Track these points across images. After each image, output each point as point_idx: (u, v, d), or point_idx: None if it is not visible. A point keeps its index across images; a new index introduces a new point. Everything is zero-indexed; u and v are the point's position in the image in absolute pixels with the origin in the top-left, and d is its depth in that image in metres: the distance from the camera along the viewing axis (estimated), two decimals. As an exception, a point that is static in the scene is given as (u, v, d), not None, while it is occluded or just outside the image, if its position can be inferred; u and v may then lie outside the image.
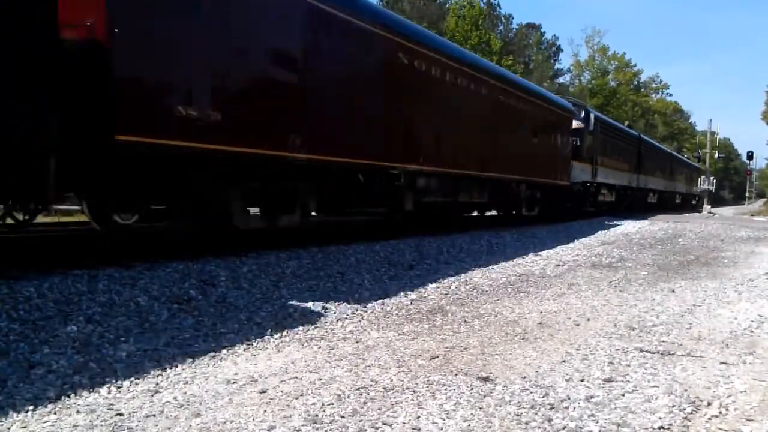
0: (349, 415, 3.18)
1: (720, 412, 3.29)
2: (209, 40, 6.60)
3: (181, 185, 6.92)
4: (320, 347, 4.55)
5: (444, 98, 11.47)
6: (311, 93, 8.15)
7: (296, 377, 3.81)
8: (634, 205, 28.45)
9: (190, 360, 4.17)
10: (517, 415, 3.20)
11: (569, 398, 3.44)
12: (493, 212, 16.76)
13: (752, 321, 5.51)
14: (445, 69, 11.50)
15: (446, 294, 6.87)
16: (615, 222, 19.28)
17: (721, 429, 3.09)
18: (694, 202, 46.52)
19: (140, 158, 6.16)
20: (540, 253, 10.95)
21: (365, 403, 3.37)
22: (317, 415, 3.17)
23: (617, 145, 24.90)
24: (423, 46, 10.84)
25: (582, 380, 3.77)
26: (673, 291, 7.21)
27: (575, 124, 18.84)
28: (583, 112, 20.59)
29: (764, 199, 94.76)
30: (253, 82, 7.36)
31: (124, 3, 5.72)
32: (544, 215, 17.19)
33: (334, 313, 5.72)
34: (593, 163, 20.97)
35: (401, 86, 10.16)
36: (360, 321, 5.47)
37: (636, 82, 71.69)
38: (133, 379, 3.75)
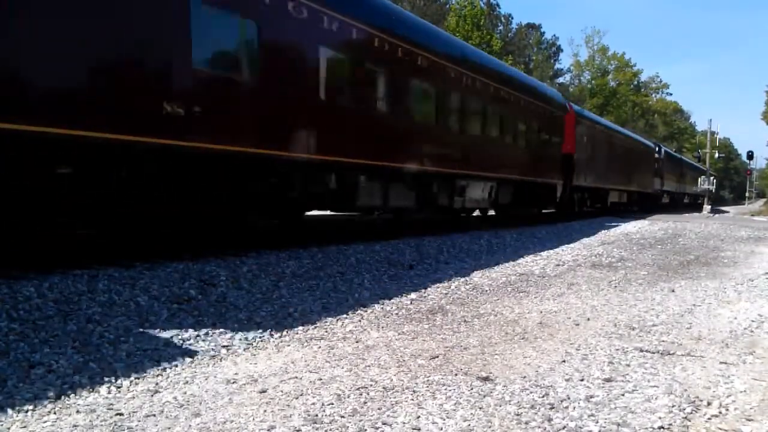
0: (349, 415, 3.18)
1: (720, 412, 3.29)
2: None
3: None
4: (320, 347, 4.55)
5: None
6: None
7: (296, 377, 3.81)
8: (678, 202, 43.83)
9: (190, 360, 4.17)
10: (517, 414, 3.20)
11: (569, 398, 3.44)
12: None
13: (752, 321, 5.51)
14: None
15: (446, 294, 6.87)
16: (615, 222, 19.28)
17: (721, 429, 3.09)
18: (699, 201, 47.25)
19: None
20: (540, 252, 10.95)
21: (365, 402, 3.37)
22: (317, 415, 3.17)
23: (669, 165, 39.31)
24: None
25: (582, 380, 3.77)
26: (673, 291, 7.21)
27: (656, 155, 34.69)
28: (657, 146, 36.25)
29: (764, 199, 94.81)
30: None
31: None
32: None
33: (334, 312, 5.72)
34: (661, 178, 35.95)
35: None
36: (360, 321, 5.47)
37: (636, 82, 71.73)
38: (133, 379, 3.75)
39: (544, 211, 18.94)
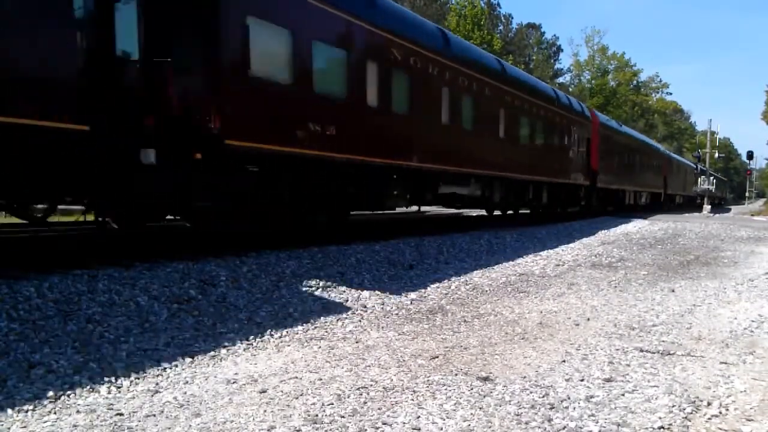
0: (349, 415, 3.18)
1: (720, 412, 3.29)
2: None
3: None
4: (320, 347, 4.55)
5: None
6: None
7: (296, 377, 3.81)
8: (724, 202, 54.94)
9: (190, 360, 4.17)
10: (517, 414, 3.20)
11: (569, 398, 3.44)
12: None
13: (752, 321, 5.50)
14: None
15: (446, 294, 6.87)
16: (615, 222, 19.28)
17: (721, 429, 3.09)
18: (699, 202, 48.71)
19: None
20: (540, 253, 10.95)
21: (365, 402, 3.37)
22: (317, 415, 3.17)
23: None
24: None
25: (582, 380, 3.77)
26: (673, 291, 7.21)
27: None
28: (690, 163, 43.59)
29: (764, 199, 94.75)
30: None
31: None
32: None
33: (334, 312, 5.72)
34: (698, 183, 42.82)
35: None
36: (360, 321, 5.47)
37: (636, 82, 71.69)
38: (133, 379, 3.75)
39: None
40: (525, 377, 3.83)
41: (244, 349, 4.48)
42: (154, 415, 3.19)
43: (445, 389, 3.58)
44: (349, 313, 5.75)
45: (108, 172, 6.00)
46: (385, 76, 9.70)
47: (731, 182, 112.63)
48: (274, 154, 7.49)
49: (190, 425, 3.05)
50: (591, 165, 21.61)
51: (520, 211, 17.89)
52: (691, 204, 41.42)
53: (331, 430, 3.00)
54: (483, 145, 13.56)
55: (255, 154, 7.24)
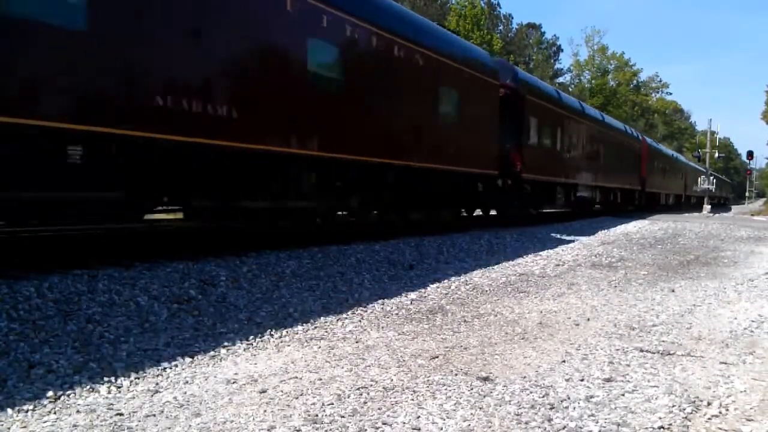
0: (349, 415, 3.18)
1: (720, 412, 3.29)
2: None
3: None
4: (320, 347, 4.55)
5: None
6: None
7: (296, 377, 3.81)
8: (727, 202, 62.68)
9: (190, 360, 4.17)
10: (517, 414, 3.20)
11: (569, 398, 3.44)
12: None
13: (752, 321, 5.50)
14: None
15: (446, 294, 6.87)
16: (615, 222, 19.29)
17: (721, 429, 3.10)
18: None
19: None
20: (540, 252, 10.95)
21: (365, 402, 3.37)
22: (317, 415, 3.17)
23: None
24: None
25: (582, 380, 3.77)
26: (673, 291, 7.21)
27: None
28: (704, 171, 43.54)
29: (764, 199, 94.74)
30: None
31: None
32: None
33: (334, 312, 5.72)
34: (709, 183, 42.84)
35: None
36: (360, 321, 5.47)
37: (635, 82, 71.69)
38: (133, 379, 3.75)
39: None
40: (525, 377, 3.83)
41: (244, 349, 4.48)
42: (154, 415, 3.19)
43: (445, 389, 3.58)
44: (349, 313, 5.75)
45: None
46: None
47: (732, 182, 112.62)
48: (538, 180, 16.90)
49: (190, 425, 3.05)
50: (642, 174, 29.99)
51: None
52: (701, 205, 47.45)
53: (331, 430, 3.01)
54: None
55: (532, 179, 16.27)
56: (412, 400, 3.41)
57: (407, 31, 10.67)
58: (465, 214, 15.73)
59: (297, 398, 3.42)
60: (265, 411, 3.24)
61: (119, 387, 3.61)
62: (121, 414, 3.20)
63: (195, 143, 6.63)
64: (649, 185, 31.34)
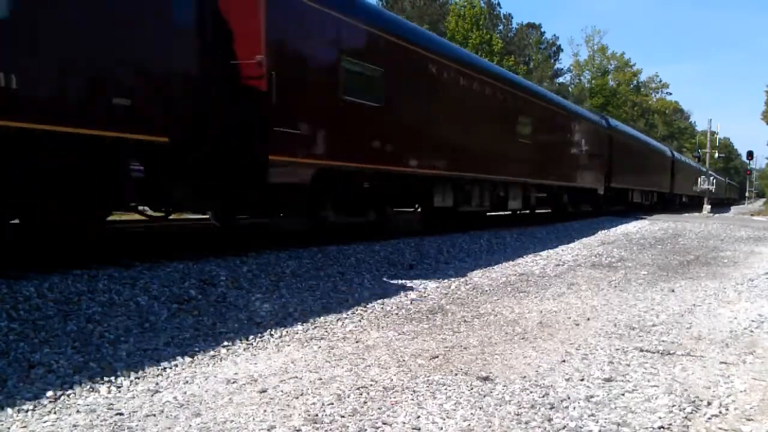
0: (349, 415, 3.18)
1: (720, 412, 3.29)
2: None
3: None
4: (320, 347, 4.55)
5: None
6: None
7: (296, 377, 3.81)
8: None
9: (190, 360, 4.17)
10: (517, 414, 3.20)
11: (569, 398, 3.44)
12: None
13: (752, 321, 5.51)
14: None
15: (446, 294, 6.87)
16: (615, 222, 19.29)
17: (721, 428, 3.10)
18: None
19: None
20: (540, 252, 10.95)
21: (365, 402, 3.37)
22: (317, 415, 3.17)
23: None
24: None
25: (582, 380, 3.77)
26: (673, 291, 7.21)
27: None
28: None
29: (764, 199, 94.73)
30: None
31: None
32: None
33: (334, 312, 5.72)
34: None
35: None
36: (360, 321, 5.47)
37: (635, 82, 71.68)
38: (133, 379, 3.75)
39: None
40: (525, 377, 3.83)
41: (244, 349, 4.48)
42: (154, 415, 3.19)
43: (445, 389, 3.58)
44: (349, 312, 5.75)
45: None
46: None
47: (736, 185, 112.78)
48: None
49: (190, 425, 3.05)
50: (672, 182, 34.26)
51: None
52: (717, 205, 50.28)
53: (331, 429, 3.00)
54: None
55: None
56: (412, 399, 3.41)
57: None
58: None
59: (297, 398, 3.42)
60: (265, 411, 3.24)
61: (119, 387, 3.61)
62: (121, 414, 3.20)
63: None
64: (678, 188, 30.57)
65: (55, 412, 3.21)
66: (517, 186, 14.72)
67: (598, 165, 21.52)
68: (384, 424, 3.07)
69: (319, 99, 7.92)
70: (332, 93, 8.13)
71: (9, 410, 3.18)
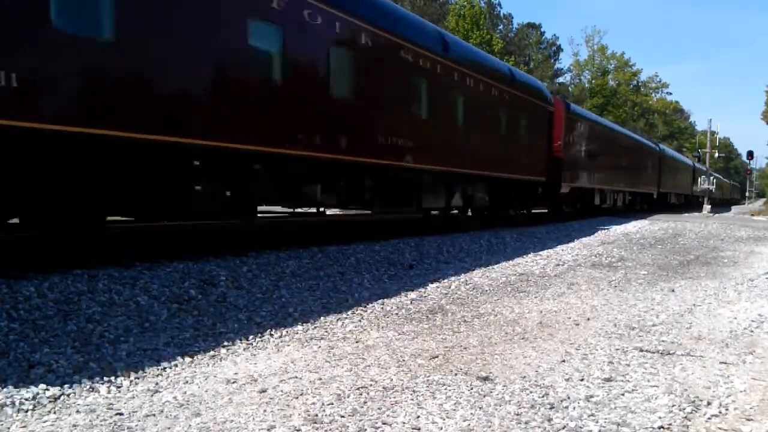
0: (349, 415, 3.18)
1: (720, 412, 3.29)
2: None
3: None
4: (320, 347, 4.55)
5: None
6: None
7: (296, 377, 3.81)
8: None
9: (190, 360, 4.17)
10: (517, 414, 3.20)
11: (569, 398, 3.44)
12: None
13: (752, 321, 5.51)
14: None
15: (446, 294, 6.87)
16: (615, 222, 19.29)
17: (721, 428, 3.10)
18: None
19: None
20: (540, 252, 10.95)
21: (365, 402, 3.37)
22: (317, 415, 3.17)
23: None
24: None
25: (582, 380, 3.77)
26: (673, 290, 7.21)
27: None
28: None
29: (764, 199, 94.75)
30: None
31: None
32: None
33: (334, 312, 5.72)
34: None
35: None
36: (360, 320, 5.47)
37: (636, 82, 71.67)
38: (132, 378, 3.75)
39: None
40: (525, 377, 3.83)
41: (244, 349, 4.48)
42: (154, 415, 3.19)
43: (445, 389, 3.58)
44: (349, 312, 5.75)
45: None
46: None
47: (738, 184, 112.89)
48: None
49: (190, 425, 3.05)
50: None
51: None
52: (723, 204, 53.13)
53: (331, 429, 3.01)
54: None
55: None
56: (412, 399, 3.41)
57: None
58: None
59: (297, 398, 3.42)
60: (264, 411, 3.24)
61: (119, 387, 3.61)
62: (121, 414, 3.20)
63: None
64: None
65: (54, 412, 3.21)
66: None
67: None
68: (384, 424, 3.07)
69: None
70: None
71: (9, 410, 3.18)
